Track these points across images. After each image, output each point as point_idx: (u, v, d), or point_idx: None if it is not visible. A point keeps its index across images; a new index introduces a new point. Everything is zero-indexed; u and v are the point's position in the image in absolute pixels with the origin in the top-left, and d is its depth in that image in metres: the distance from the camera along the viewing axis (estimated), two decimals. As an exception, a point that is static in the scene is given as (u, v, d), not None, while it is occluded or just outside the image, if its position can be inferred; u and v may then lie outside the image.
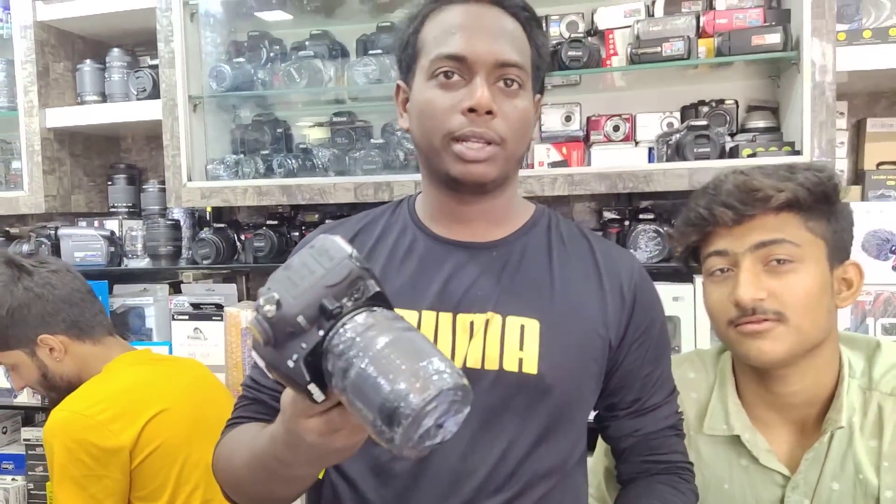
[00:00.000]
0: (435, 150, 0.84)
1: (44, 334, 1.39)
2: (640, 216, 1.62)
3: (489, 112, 0.81)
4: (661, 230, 1.55)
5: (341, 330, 0.52)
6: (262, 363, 0.55)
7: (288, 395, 0.60)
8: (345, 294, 0.53)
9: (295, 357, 0.53)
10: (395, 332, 0.51)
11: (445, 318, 0.85)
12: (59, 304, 1.40)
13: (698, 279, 1.53)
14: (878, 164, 1.68)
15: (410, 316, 0.85)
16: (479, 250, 0.89)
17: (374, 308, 0.54)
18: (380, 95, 1.84)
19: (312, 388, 0.54)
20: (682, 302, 1.54)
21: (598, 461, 1.09)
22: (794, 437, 0.97)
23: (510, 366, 0.83)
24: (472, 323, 0.84)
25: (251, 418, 0.91)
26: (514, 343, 0.83)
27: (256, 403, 0.92)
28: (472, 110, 0.80)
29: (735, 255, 0.91)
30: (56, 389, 1.43)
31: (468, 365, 0.84)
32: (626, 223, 1.65)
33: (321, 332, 0.53)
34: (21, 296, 1.38)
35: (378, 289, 0.55)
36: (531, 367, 0.83)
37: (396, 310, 0.87)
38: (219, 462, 0.86)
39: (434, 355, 0.50)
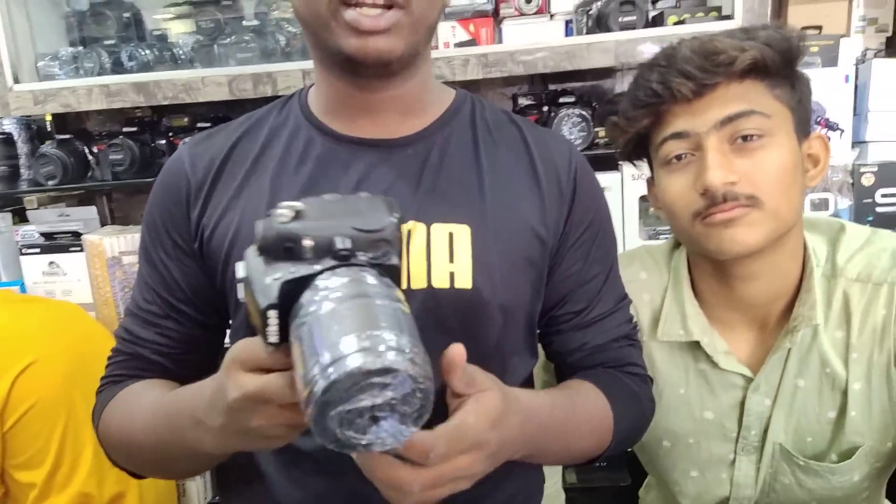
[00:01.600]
0: (321, 21, 0.66)
1: None
2: (561, 100, 1.45)
3: None
4: (585, 114, 1.39)
5: (333, 275, 0.46)
6: (241, 272, 0.50)
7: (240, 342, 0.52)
8: (364, 247, 0.48)
9: (278, 276, 0.46)
10: (380, 298, 0.45)
11: None
12: None
13: (626, 168, 1.41)
14: (802, 29, 1.58)
15: None
16: (391, 148, 0.73)
17: (382, 276, 0.48)
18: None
19: (271, 314, 0.46)
20: (608, 192, 1.41)
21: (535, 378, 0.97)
22: (753, 335, 0.88)
23: (440, 282, 0.70)
24: None
25: (131, 377, 0.76)
26: (442, 255, 0.70)
27: (135, 359, 0.77)
28: None
29: (697, 135, 0.78)
30: None
31: None
32: (545, 109, 1.48)
33: (316, 268, 0.47)
34: None
35: (397, 264, 0.49)
36: (465, 281, 0.70)
37: None
38: (110, 426, 0.74)
39: (406, 334, 0.43)
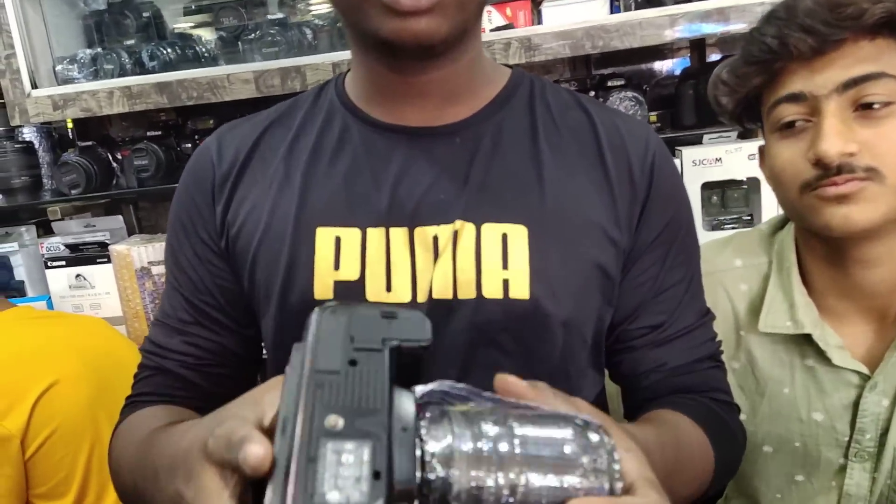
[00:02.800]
0: (352, 3, 0.57)
1: None
2: (609, 84, 1.35)
3: None
4: (639, 97, 1.28)
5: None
6: None
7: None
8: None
9: None
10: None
11: (399, 234, 0.61)
12: None
13: (686, 152, 1.30)
14: None
15: (351, 234, 0.61)
16: (436, 137, 0.64)
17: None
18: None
19: None
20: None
21: None
22: (870, 328, 0.78)
23: (492, 291, 0.61)
24: (435, 237, 0.61)
25: (154, 395, 0.68)
26: (494, 260, 0.61)
27: (160, 374, 0.70)
28: None
29: (815, 98, 0.69)
30: None
31: (435, 295, 0.60)
32: (593, 94, 1.38)
33: None
34: None
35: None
36: (521, 291, 0.60)
37: (328, 228, 0.62)
38: (111, 456, 0.66)
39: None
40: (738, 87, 0.75)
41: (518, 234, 0.61)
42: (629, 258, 0.66)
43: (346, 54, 1.31)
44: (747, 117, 0.80)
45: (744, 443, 0.71)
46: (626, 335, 0.68)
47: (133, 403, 0.69)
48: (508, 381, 0.38)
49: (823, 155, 0.67)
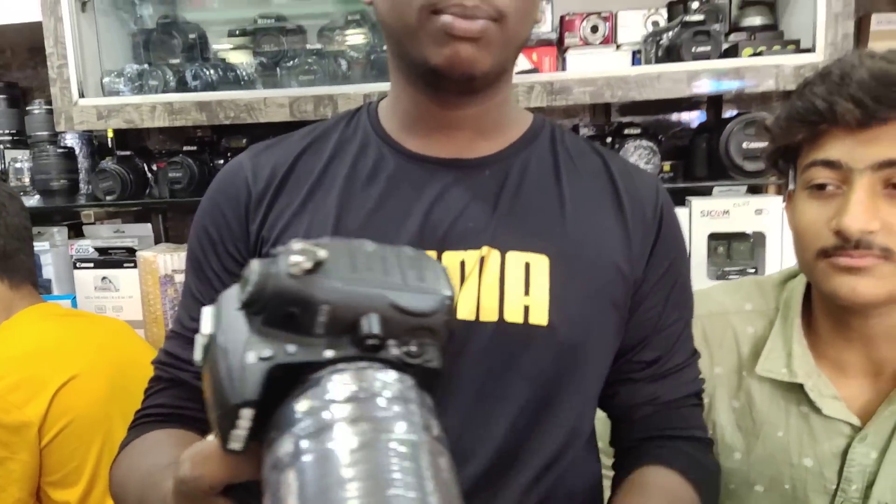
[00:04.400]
0: (409, 30, 0.62)
1: None
2: (626, 132, 1.40)
3: None
4: (653, 146, 1.34)
5: (347, 376, 0.31)
6: (207, 324, 0.34)
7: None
8: (399, 333, 0.33)
9: (267, 354, 0.32)
10: (407, 434, 0.29)
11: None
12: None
13: (695, 203, 1.34)
14: (882, 68, 1.51)
15: None
16: (467, 169, 0.69)
17: (417, 387, 0.33)
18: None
19: (244, 415, 0.31)
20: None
21: None
22: (867, 381, 0.81)
23: (513, 316, 0.65)
24: (462, 262, 0.66)
25: (166, 408, 0.69)
26: (517, 286, 0.65)
27: (175, 387, 0.70)
28: None
29: (850, 170, 0.70)
30: None
31: (459, 316, 0.64)
32: (609, 140, 1.43)
33: (327, 355, 0.32)
34: None
35: (438, 366, 0.34)
36: (540, 317, 0.65)
37: None
38: (113, 479, 0.66)
39: (435, 494, 0.27)
40: (779, 137, 0.76)
41: (540, 264, 0.65)
42: (638, 294, 0.70)
43: (376, 86, 1.38)
44: (781, 165, 0.81)
45: (718, 478, 0.75)
46: (626, 367, 0.72)
47: (142, 422, 0.69)
48: None
49: (845, 229, 0.68)
